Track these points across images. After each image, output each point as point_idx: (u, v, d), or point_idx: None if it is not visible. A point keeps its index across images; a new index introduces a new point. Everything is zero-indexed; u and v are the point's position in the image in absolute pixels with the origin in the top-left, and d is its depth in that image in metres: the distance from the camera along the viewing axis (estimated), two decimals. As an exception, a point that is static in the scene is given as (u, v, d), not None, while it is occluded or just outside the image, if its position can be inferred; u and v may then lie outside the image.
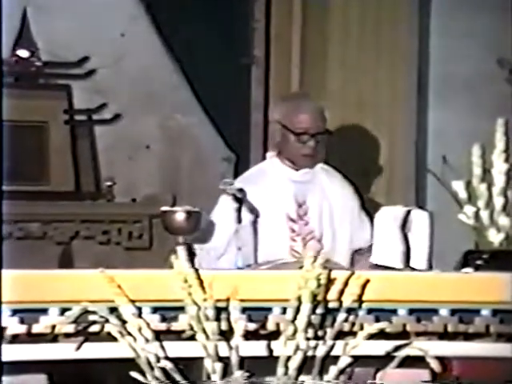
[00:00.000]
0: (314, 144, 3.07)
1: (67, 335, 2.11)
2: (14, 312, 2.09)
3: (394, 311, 2.23)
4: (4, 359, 2.08)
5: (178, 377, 2.11)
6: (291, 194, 3.07)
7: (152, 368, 2.09)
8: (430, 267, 2.79)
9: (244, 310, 2.14)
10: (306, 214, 3.05)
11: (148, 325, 2.12)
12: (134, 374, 2.08)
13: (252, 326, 2.15)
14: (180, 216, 2.72)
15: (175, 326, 2.14)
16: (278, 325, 2.16)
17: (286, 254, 2.96)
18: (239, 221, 2.84)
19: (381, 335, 2.17)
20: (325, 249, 2.98)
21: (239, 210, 2.87)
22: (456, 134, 3.88)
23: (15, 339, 2.10)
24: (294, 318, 2.12)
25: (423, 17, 4.14)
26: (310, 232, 3.03)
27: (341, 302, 2.17)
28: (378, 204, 3.67)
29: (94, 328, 2.11)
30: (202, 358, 2.11)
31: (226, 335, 2.11)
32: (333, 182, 3.15)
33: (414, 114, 4.12)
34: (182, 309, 2.12)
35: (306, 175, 3.12)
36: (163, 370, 2.11)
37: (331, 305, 2.17)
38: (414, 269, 2.60)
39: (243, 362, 2.12)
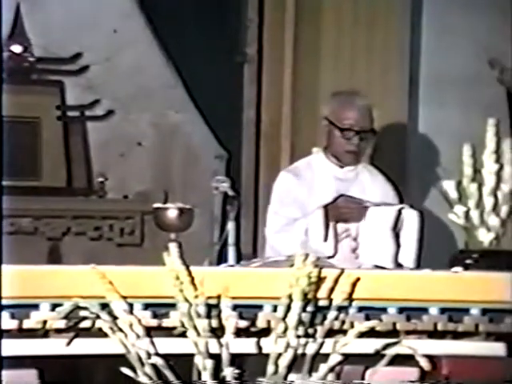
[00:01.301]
0: (358, 141, 3.10)
1: (58, 331, 2.12)
2: (5, 307, 2.09)
3: (384, 310, 2.24)
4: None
5: (168, 373, 2.11)
6: (333, 190, 3.09)
7: (143, 364, 2.10)
8: (419, 266, 2.81)
9: (235, 308, 2.14)
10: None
11: (139, 321, 2.12)
12: (125, 370, 2.09)
13: (243, 324, 2.16)
14: (172, 213, 2.73)
15: (166, 323, 2.15)
16: (268, 322, 2.17)
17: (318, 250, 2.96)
18: (230, 218, 2.84)
19: (371, 333, 2.18)
20: (359, 248, 2.99)
21: (224, 207, 2.87)
22: (447, 134, 3.89)
23: (6, 334, 2.10)
24: (285, 316, 2.13)
25: (415, 16, 4.15)
26: (346, 230, 3.04)
27: (331, 300, 2.18)
28: None
29: (85, 324, 2.11)
30: (192, 355, 2.11)
31: (217, 332, 2.12)
32: (374, 181, 3.17)
33: (406, 114, 4.13)
34: (173, 305, 2.12)
35: (349, 173, 3.15)
36: (154, 366, 2.11)
37: (322, 303, 2.18)
38: (404, 267, 2.62)
39: (234, 359, 2.12)
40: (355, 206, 3.01)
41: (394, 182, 3.26)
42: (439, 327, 2.25)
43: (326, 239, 2.98)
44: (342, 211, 3.00)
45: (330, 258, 2.93)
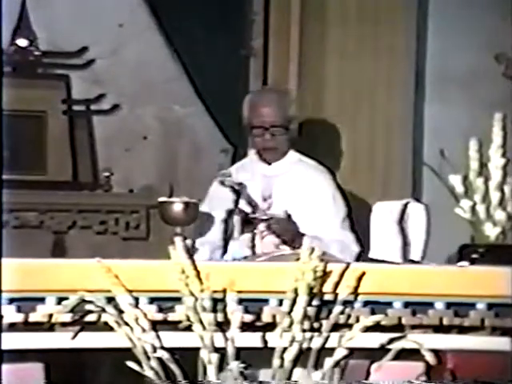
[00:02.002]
0: (270, 137, 3.09)
1: (64, 324, 2.12)
2: (11, 301, 2.09)
3: (390, 304, 2.23)
4: (1, 348, 2.08)
5: (174, 367, 2.11)
6: (259, 188, 3.08)
7: (148, 358, 2.10)
8: (424, 260, 2.80)
9: (241, 302, 2.14)
10: (269, 208, 3.04)
11: (145, 315, 2.12)
12: (131, 364, 2.09)
13: (248, 318, 2.16)
14: (177, 207, 2.73)
15: (172, 317, 2.14)
16: (274, 316, 2.17)
17: (246, 249, 2.97)
18: (237, 212, 2.84)
19: (376, 328, 2.17)
20: (236, 234, 2.97)
21: (237, 202, 2.87)
22: (453, 129, 3.88)
23: (12, 328, 2.10)
24: (291, 310, 2.13)
25: (421, 13, 4.14)
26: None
27: (337, 295, 2.17)
28: (363, 200, 3.70)
29: (91, 317, 2.11)
30: (198, 349, 2.11)
31: (223, 326, 2.12)
32: (307, 173, 3.14)
33: (412, 109, 4.11)
34: (178, 299, 2.12)
35: (278, 168, 3.13)
36: (159, 360, 2.11)
37: (327, 297, 2.18)
38: (410, 262, 2.61)
39: (239, 353, 2.12)
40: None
41: (331, 169, 3.23)
42: (445, 322, 2.24)
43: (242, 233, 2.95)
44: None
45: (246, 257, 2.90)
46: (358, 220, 3.32)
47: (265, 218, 2.95)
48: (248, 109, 3.16)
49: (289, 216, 3.01)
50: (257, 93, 3.30)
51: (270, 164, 3.14)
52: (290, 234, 2.98)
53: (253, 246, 2.97)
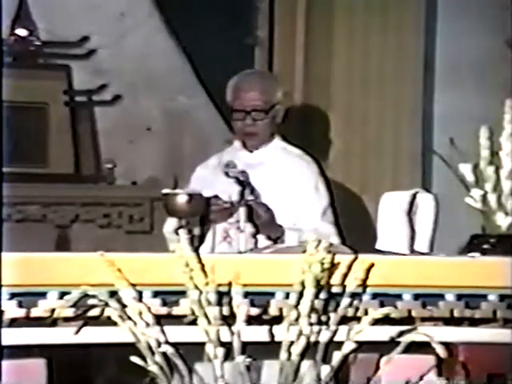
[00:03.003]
0: (252, 121, 3.03)
1: (66, 319, 2.09)
2: (13, 295, 2.06)
3: (399, 296, 2.19)
4: (2, 343, 2.05)
5: (178, 362, 2.08)
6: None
7: (153, 353, 2.07)
8: (432, 251, 2.76)
9: (246, 295, 2.10)
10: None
11: (149, 309, 2.09)
12: (135, 359, 2.06)
13: (255, 311, 2.12)
14: (182, 199, 2.70)
15: (176, 311, 2.11)
16: (280, 310, 2.13)
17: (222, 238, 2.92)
18: (241, 203, 2.81)
19: (385, 320, 2.14)
20: (242, 225, 2.92)
21: (242, 193, 2.84)
22: (463, 116, 3.84)
23: (13, 323, 2.07)
24: (298, 303, 2.09)
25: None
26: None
27: (345, 287, 2.14)
28: (355, 193, 3.66)
29: (94, 312, 2.08)
30: (203, 343, 2.08)
31: (228, 320, 2.08)
32: (290, 162, 3.08)
33: (421, 96, 4.08)
34: (183, 293, 2.09)
35: (260, 156, 3.08)
36: (164, 354, 2.08)
37: (335, 289, 2.14)
38: (420, 253, 2.57)
39: (245, 347, 2.09)
40: (218, 207, 2.90)
41: (315, 156, 3.17)
42: (456, 314, 2.21)
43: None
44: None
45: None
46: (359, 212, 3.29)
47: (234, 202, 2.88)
48: (231, 92, 3.10)
49: (263, 204, 2.95)
50: (241, 76, 3.21)
51: (251, 152, 3.08)
52: (263, 221, 2.91)
53: (226, 237, 2.93)
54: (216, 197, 2.94)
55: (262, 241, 2.89)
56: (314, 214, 3.06)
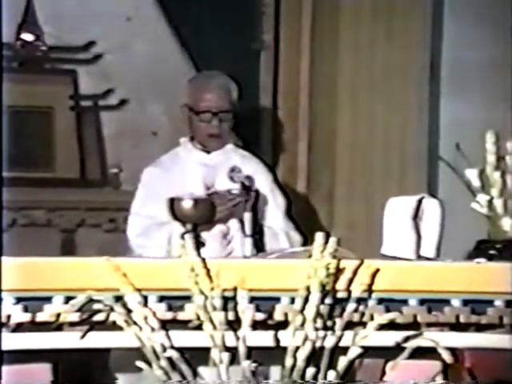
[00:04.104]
0: (218, 123, 3.02)
1: (72, 324, 2.08)
2: (18, 300, 2.06)
3: (405, 301, 2.19)
4: (8, 348, 2.05)
5: (184, 367, 2.08)
6: (200, 177, 3.02)
7: (158, 357, 2.06)
8: (439, 256, 2.75)
9: (252, 300, 2.10)
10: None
11: (154, 314, 2.09)
12: (140, 364, 2.05)
13: (260, 316, 2.12)
14: (187, 204, 2.70)
15: (182, 316, 2.11)
16: (286, 315, 2.13)
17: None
18: (245, 209, 2.81)
19: (391, 326, 2.13)
20: (231, 231, 2.92)
21: (247, 198, 2.83)
22: (469, 121, 3.83)
23: (19, 328, 2.07)
24: (303, 308, 2.09)
25: (437, 3, 4.09)
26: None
27: (350, 292, 2.13)
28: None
29: (100, 317, 2.08)
30: (208, 348, 2.08)
31: (234, 325, 2.08)
32: (246, 164, 3.06)
33: (427, 101, 4.07)
34: (188, 298, 2.08)
35: (217, 157, 3.07)
36: (169, 359, 2.08)
37: (340, 295, 2.14)
38: (426, 258, 2.57)
39: (250, 352, 2.08)
40: (227, 201, 2.87)
41: (266, 161, 3.18)
42: (461, 319, 2.20)
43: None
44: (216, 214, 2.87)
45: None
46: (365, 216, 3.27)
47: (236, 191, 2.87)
48: (193, 92, 3.07)
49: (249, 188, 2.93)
50: (202, 77, 3.21)
51: (208, 153, 3.07)
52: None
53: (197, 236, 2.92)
54: (216, 193, 2.93)
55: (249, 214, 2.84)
56: (277, 213, 3.05)
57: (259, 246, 2.86)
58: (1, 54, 3.83)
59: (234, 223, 2.90)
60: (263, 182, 3.06)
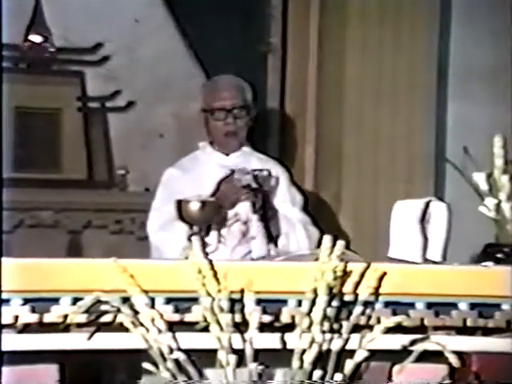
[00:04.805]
0: (233, 120, 3.06)
1: (79, 325, 2.09)
2: (26, 301, 2.06)
3: (412, 305, 2.18)
4: (15, 349, 2.06)
5: (190, 369, 2.08)
6: (218, 178, 3.05)
7: (165, 359, 2.06)
8: (446, 260, 2.75)
9: (259, 302, 2.10)
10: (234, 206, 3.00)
11: (161, 316, 2.09)
12: (147, 365, 2.06)
13: (267, 319, 2.12)
14: (194, 206, 2.70)
15: (189, 318, 2.11)
16: (293, 317, 2.13)
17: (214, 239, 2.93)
18: (254, 211, 2.82)
19: (398, 329, 2.13)
20: (251, 232, 2.93)
21: (255, 200, 2.84)
22: (477, 125, 3.83)
23: (26, 328, 2.07)
24: (310, 311, 2.08)
25: (444, 5, 4.08)
26: (235, 215, 2.98)
27: (357, 295, 2.13)
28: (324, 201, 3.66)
29: (107, 318, 2.08)
30: (215, 350, 2.08)
31: (241, 327, 2.08)
32: (263, 165, 3.12)
33: (434, 105, 4.06)
34: (195, 300, 2.08)
35: (235, 159, 3.12)
36: (176, 361, 2.08)
37: (347, 297, 2.13)
38: (433, 262, 2.56)
39: (257, 354, 2.08)
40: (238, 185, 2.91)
41: (286, 165, 3.23)
42: (469, 323, 2.19)
43: (207, 233, 2.92)
44: (230, 198, 2.91)
45: (214, 251, 2.88)
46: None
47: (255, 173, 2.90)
48: (208, 94, 3.14)
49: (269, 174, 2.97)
50: (214, 79, 3.27)
51: (227, 155, 3.09)
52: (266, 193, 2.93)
53: (219, 237, 2.94)
54: (227, 177, 2.96)
55: (256, 223, 2.88)
56: (293, 209, 3.09)
57: (273, 239, 2.89)
58: (1, 54, 3.84)
59: (254, 222, 2.91)
60: (281, 182, 3.11)
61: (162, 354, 2.07)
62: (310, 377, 2.09)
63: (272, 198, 3.01)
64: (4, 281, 2.02)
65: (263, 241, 2.93)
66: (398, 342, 2.15)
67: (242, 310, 2.08)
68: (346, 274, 2.11)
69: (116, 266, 2.06)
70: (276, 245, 3.00)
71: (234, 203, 2.97)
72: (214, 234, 2.98)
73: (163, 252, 2.94)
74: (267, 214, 2.95)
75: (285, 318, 2.13)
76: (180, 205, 2.73)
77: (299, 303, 2.11)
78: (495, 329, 2.21)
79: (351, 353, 2.11)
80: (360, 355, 2.09)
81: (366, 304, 2.13)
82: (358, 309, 2.12)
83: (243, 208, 2.98)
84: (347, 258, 2.15)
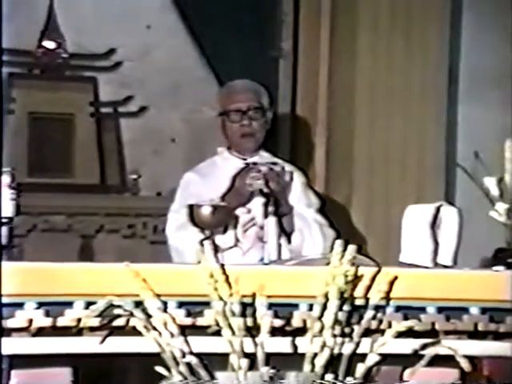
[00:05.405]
0: (249, 121, 3.08)
1: (92, 329, 2.10)
2: (40, 305, 2.08)
3: (423, 309, 2.19)
4: (30, 352, 2.07)
5: (203, 372, 2.09)
6: (233, 174, 3.04)
7: (177, 363, 2.08)
8: (456, 264, 2.75)
9: (270, 306, 2.11)
10: (249, 202, 3.00)
11: (173, 319, 2.10)
12: (159, 369, 2.07)
13: (278, 323, 2.12)
14: (206, 210, 2.71)
15: (201, 321, 2.12)
16: (304, 321, 2.13)
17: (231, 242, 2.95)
18: (266, 215, 2.82)
19: (409, 333, 2.13)
20: (266, 236, 2.95)
21: (266, 205, 2.85)
22: (488, 129, 3.82)
23: (40, 332, 2.09)
24: (321, 315, 2.09)
25: (455, 10, 4.08)
26: (251, 219, 3.00)
27: (368, 299, 2.13)
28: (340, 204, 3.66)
29: (119, 322, 2.10)
30: (227, 354, 2.09)
31: (252, 331, 2.09)
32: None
33: (445, 109, 4.06)
34: (207, 304, 2.09)
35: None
36: (188, 365, 2.09)
37: (358, 302, 2.14)
38: (443, 266, 2.56)
39: (269, 358, 2.09)
40: (256, 174, 2.91)
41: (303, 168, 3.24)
42: (480, 327, 2.20)
43: (225, 231, 2.92)
44: (244, 188, 2.91)
45: (232, 247, 2.89)
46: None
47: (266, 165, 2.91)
48: (224, 98, 3.16)
49: (283, 168, 2.98)
50: (229, 84, 3.29)
51: (245, 159, 3.12)
52: (281, 187, 2.93)
53: (237, 240, 2.96)
54: (247, 165, 2.96)
55: (272, 219, 2.88)
56: (309, 210, 3.10)
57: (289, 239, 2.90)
58: (0, 59, 3.87)
59: (271, 225, 2.92)
60: (296, 184, 3.11)
61: (174, 358, 2.08)
62: (321, 381, 2.10)
63: (287, 193, 3.01)
64: (18, 285, 2.04)
65: (275, 243, 2.93)
66: (409, 346, 2.16)
67: (253, 314, 2.09)
68: (357, 278, 2.12)
69: (128, 270, 2.07)
70: (289, 241, 3.00)
71: (249, 198, 2.96)
72: (231, 233, 2.98)
73: (182, 251, 2.95)
74: (281, 209, 2.95)
75: (296, 322, 2.14)
76: (192, 209, 2.74)
77: (310, 307, 2.12)
78: (506, 333, 2.21)
79: (362, 357, 2.11)
80: (371, 359, 2.10)
81: (377, 308, 2.14)
82: (369, 313, 2.12)
83: (259, 212, 2.98)
84: (358, 262, 2.16)
